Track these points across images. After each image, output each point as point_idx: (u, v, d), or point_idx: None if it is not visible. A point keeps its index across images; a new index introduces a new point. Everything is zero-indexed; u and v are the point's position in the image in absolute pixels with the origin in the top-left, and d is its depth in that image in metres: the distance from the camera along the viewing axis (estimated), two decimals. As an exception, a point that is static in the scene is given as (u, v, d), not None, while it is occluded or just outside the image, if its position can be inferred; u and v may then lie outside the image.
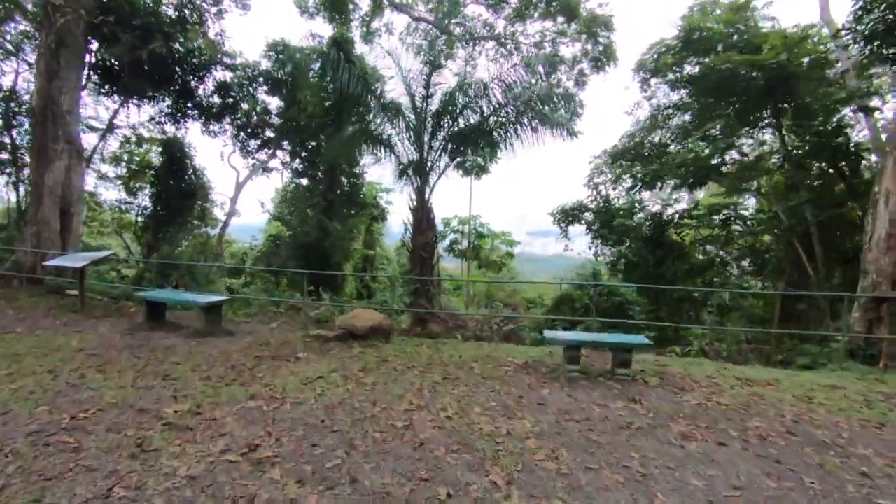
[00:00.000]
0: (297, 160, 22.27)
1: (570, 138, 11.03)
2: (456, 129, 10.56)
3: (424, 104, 10.64)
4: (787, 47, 11.13)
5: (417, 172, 10.86)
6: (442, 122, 10.60)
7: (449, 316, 10.34)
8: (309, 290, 15.13)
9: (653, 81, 14.42)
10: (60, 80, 11.17)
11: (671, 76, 14.30)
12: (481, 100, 10.22)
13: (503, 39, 19.44)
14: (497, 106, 10.07)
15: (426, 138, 10.74)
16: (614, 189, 14.84)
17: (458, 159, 11.02)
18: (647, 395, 4.87)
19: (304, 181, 22.36)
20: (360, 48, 19.91)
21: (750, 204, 15.61)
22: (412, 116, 10.85)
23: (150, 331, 7.59)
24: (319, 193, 18.90)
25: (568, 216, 14.96)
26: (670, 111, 15.24)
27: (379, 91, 10.63)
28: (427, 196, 10.85)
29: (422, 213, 10.66)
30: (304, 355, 6.10)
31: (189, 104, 17.07)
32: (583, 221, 14.70)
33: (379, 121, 11.23)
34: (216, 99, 17.23)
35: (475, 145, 10.63)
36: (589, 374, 5.46)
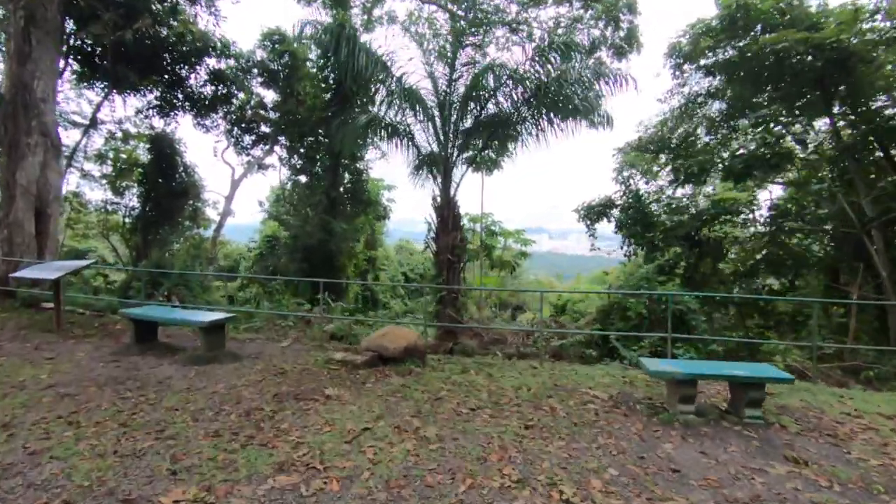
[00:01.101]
0: (296, 156, 20.98)
1: (606, 128, 9.89)
2: (484, 116, 9.34)
3: (449, 88, 9.41)
4: (848, 25, 10.05)
5: (441, 166, 9.63)
6: (468, 109, 9.38)
7: (482, 328, 9.15)
8: (315, 297, 13.93)
9: (686, 67, 13.27)
10: (33, 63, 9.80)
11: (706, 61, 13.19)
12: (514, 84, 9.00)
13: (516, 25, 18.24)
14: (532, 91, 8.85)
15: (450, 127, 9.52)
16: (647, 183, 13.72)
17: (487, 150, 9.81)
18: (804, 451, 3.70)
19: (303, 178, 21.08)
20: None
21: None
22: (434, 102, 9.61)
23: (138, 355, 6.32)
24: (322, 191, 17.61)
25: (595, 213, 13.82)
26: (702, 99, 14.13)
27: (399, 73, 9.37)
28: (452, 192, 9.64)
29: (447, 210, 9.44)
30: (334, 392, 4.86)
31: (179, 95, 15.69)
32: (611, 219, 13.57)
33: (396, 108, 9.97)
34: (209, 90, 15.83)
35: (505, 135, 9.43)
36: (706, 416, 4.28)
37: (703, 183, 11.32)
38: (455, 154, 9.64)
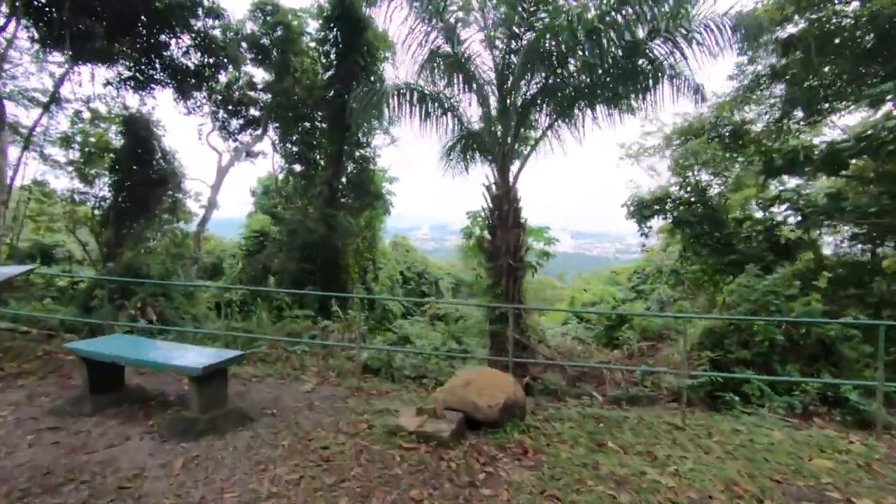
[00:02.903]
0: (289, 143, 18.68)
1: (697, 99, 7.93)
2: (559, 79, 7.24)
3: (510, 44, 7.28)
4: None
5: (498, 146, 7.53)
6: (535, 71, 7.26)
7: (548, 352, 7.10)
8: (323, 306, 11.74)
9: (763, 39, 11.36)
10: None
11: (771, 36, 11.33)
12: (594, 41, 6.91)
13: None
14: (624, 49, 6.78)
15: (511, 98, 7.40)
16: (715, 175, 11.83)
17: (555, 127, 7.72)
18: None
19: (298, 167, 18.81)
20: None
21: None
22: (488, 62, 7.48)
23: (93, 413, 4.14)
24: (324, 181, 15.35)
25: (648, 209, 11.93)
26: (765, 80, 12.28)
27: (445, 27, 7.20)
28: (512, 179, 7.54)
29: (506, 202, 7.36)
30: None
31: (157, 65, 13.28)
32: (669, 215, 11.70)
33: (436, 74, 7.82)
34: (193, 59, 13.44)
35: (591, 103, 7.35)
36: None
37: (807, 175, 9.44)
38: (515, 132, 7.55)
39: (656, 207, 12.07)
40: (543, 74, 7.19)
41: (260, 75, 18.35)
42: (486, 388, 4.21)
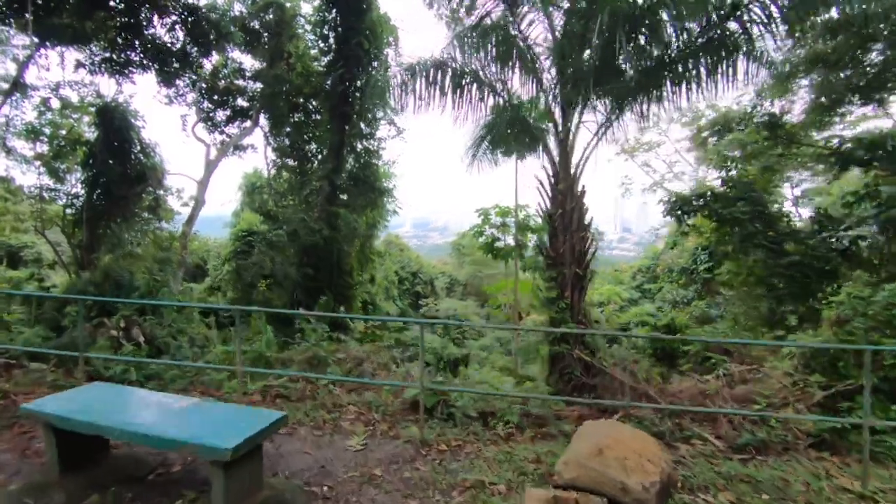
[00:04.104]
0: (282, 135, 17.21)
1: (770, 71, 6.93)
2: (635, 48, 6.01)
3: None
4: None
5: (559, 130, 6.32)
6: (597, 39, 6.04)
7: (627, 378, 5.90)
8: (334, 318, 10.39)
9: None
10: None
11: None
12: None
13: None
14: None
15: (572, 74, 6.19)
16: (766, 171, 10.79)
17: (630, 108, 6.52)
18: None
19: (291, 161, 17.38)
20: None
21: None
22: (540, 29, 6.26)
23: (67, 507, 2.82)
24: (324, 176, 13.97)
25: (688, 206, 10.88)
26: (805, 65, 11.33)
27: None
28: (575, 171, 6.34)
29: (571, 199, 6.17)
30: None
31: (136, 44, 11.72)
32: (712, 213, 10.66)
33: (475, 47, 6.57)
34: (178, 37, 11.89)
35: (673, 79, 6.16)
36: None
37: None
38: (581, 113, 6.35)
39: (695, 204, 11.04)
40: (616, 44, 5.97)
41: (248, 62, 16.89)
42: (629, 456, 3.01)
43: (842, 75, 11.10)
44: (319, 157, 16.26)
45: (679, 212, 11.17)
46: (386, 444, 4.03)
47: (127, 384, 5.30)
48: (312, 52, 16.06)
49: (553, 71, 6.34)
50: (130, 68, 12.24)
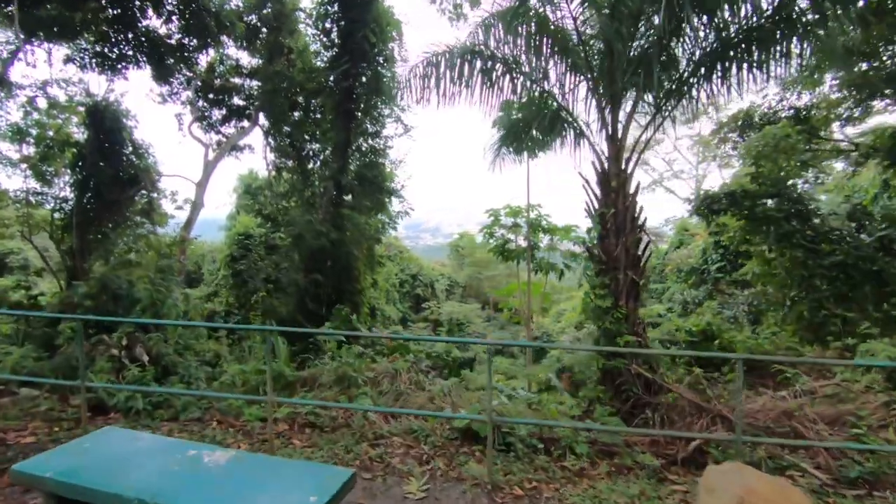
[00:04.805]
0: (280, 135, 16.49)
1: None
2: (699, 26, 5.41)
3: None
4: None
5: (609, 122, 5.73)
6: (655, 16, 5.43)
7: (690, 395, 5.31)
8: (343, 327, 9.73)
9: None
10: None
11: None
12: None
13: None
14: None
15: (625, 59, 5.60)
16: (803, 167, 10.30)
17: (696, 97, 5.92)
18: None
19: (290, 162, 16.67)
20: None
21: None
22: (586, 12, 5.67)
23: None
24: (329, 176, 13.30)
25: (718, 204, 10.37)
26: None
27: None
28: (628, 166, 5.77)
29: (624, 198, 5.59)
30: None
31: (129, 37, 10.99)
32: (743, 211, 10.16)
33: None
34: (174, 29, 11.18)
35: (734, 62, 5.55)
36: None
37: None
38: (630, 105, 5.77)
39: (724, 202, 10.53)
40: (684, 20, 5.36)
41: (245, 59, 16.20)
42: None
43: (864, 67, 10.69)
44: (321, 156, 15.60)
45: (707, 210, 10.68)
46: (450, 490, 3.40)
47: (133, 413, 4.65)
48: (314, 47, 15.40)
49: (600, 58, 5.76)
50: (123, 63, 11.51)
